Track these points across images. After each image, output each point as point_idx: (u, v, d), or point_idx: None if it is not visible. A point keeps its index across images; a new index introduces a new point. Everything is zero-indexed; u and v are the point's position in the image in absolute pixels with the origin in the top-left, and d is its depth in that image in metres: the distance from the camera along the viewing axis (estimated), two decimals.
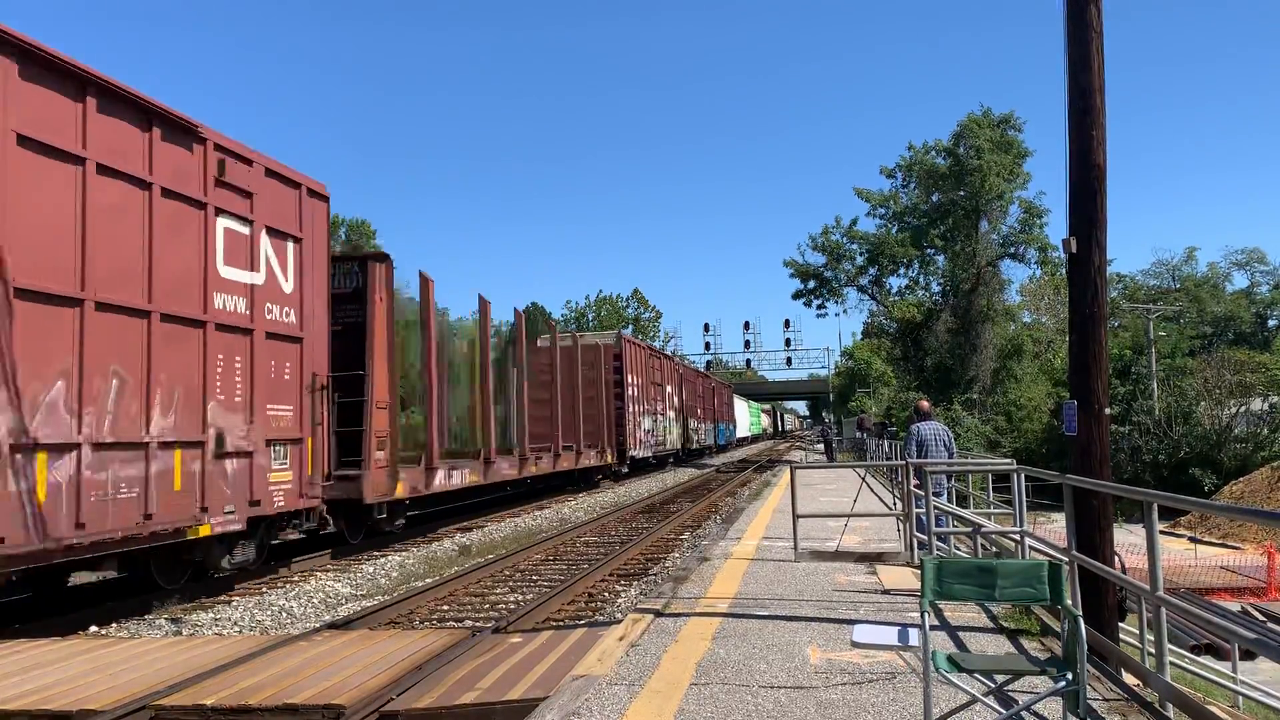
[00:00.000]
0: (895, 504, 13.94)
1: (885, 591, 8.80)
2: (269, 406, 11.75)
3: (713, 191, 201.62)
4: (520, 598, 11.36)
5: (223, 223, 11.03)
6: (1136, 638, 5.97)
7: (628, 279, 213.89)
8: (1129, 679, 5.75)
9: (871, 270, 51.30)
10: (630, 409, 31.98)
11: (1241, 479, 32.21)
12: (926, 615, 4.63)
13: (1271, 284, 77.36)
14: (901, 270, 51.00)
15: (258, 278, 11.69)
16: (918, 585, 7.59)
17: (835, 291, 52.07)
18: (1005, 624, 7.27)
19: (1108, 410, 7.15)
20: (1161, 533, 5.98)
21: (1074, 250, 7.07)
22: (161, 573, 10.87)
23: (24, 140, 8.41)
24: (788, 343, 78.95)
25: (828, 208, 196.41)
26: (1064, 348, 27.52)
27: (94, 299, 9.06)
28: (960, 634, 6.94)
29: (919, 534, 10.73)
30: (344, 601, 11.60)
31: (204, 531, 10.41)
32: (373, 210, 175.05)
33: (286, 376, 12.22)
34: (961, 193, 46.80)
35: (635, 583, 12.28)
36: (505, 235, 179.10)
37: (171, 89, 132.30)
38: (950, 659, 4.55)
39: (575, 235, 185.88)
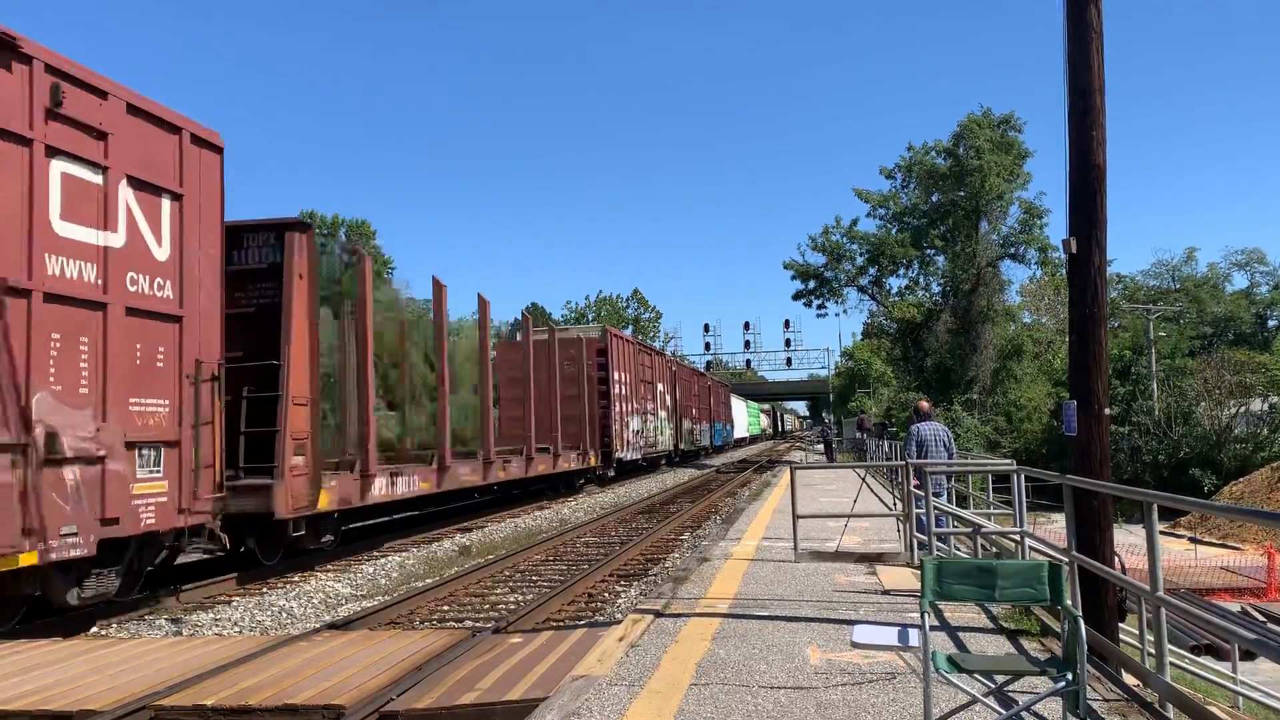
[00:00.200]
0: (895, 504, 13.94)
1: (885, 592, 8.80)
2: (133, 401, 9.56)
3: (713, 192, 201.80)
4: (520, 598, 11.37)
5: (59, 166, 8.90)
6: (1136, 638, 5.97)
7: (628, 279, 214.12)
8: (1129, 679, 5.75)
9: (871, 270, 51.28)
10: (617, 408, 29.99)
11: (1241, 479, 32.22)
12: (926, 615, 4.63)
13: (1271, 284, 77.35)
14: (901, 270, 50.99)
15: (115, 239, 9.49)
16: (918, 585, 7.59)
17: (835, 292, 52.05)
18: (1005, 624, 7.27)
19: (1108, 411, 7.15)
20: (1161, 533, 5.98)
21: (1074, 250, 7.07)
22: None
23: None
24: (788, 343, 78.95)
25: (828, 209, 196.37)
26: (1064, 348, 27.51)
27: None
28: (960, 634, 6.94)
29: (919, 534, 10.73)
30: (344, 602, 11.61)
31: (27, 560, 8.23)
32: (373, 211, 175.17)
33: (160, 364, 10.00)
34: (961, 193, 46.80)
35: (635, 583, 12.28)
36: (505, 235, 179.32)
37: (171, 88, 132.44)
38: (950, 659, 4.55)
39: (575, 235, 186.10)
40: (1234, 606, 16.20)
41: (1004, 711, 4.75)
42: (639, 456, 33.71)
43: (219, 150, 11.23)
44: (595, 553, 15.11)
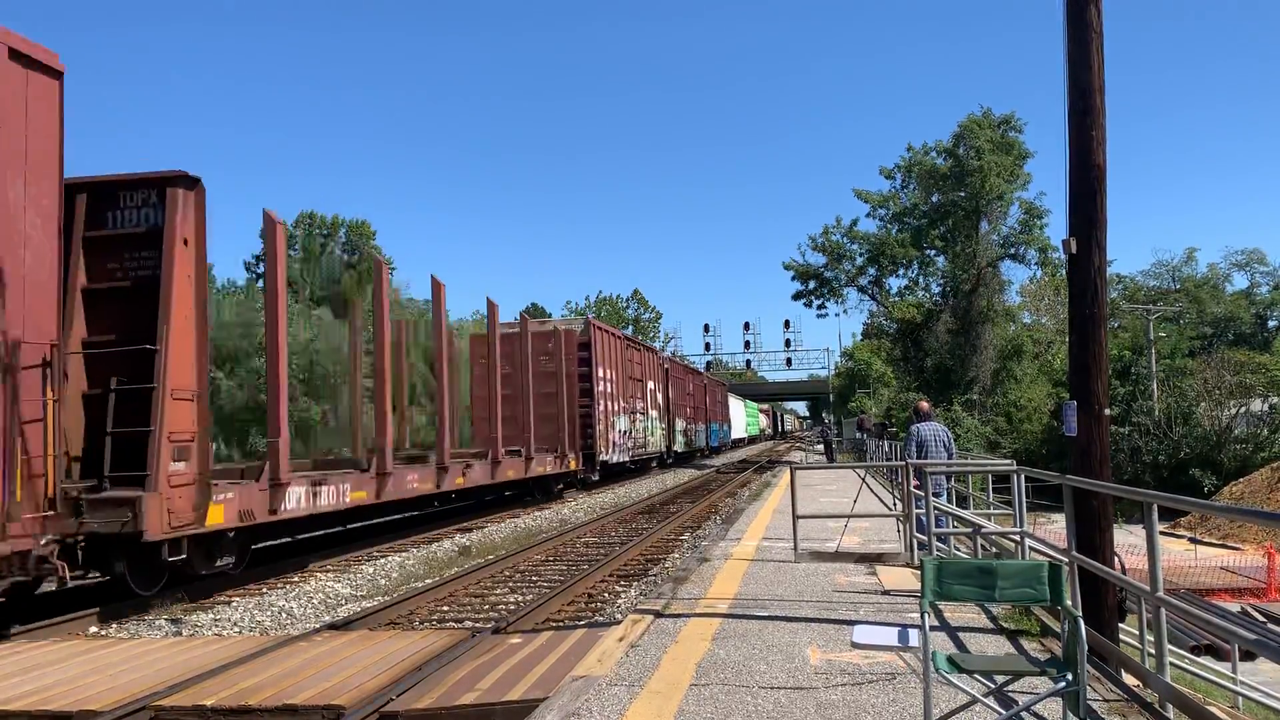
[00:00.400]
0: (895, 505, 13.94)
1: (885, 592, 8.80)
2: None
3: (713, 192, 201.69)
4: (520, 598, 11.36)
5: None
6: (1136, 638, 5.97)
7: (628, 279, 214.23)
8: (1129, 679, 5.75)
9: (871, 270, 51.31)
10: (601, 407, 27.75)
11: (1241, 480, 32.24)
12: (926, 616, 4.63)
13: (1271, 285, 77.29)
14: (901, 271, 51.04)
15: None
16: (918, 586, 7.59)
17: (835, 291, 52.08)
18: (1005, 624, 7.27)
19: (1108, 411, 7.15)
20: (1161, 533, 5.98)
21: (1074, 251, 7.07)
22: None
23: None
24: (788, 343, 79.04)
25: (828, 210, 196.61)
26: (1064, 348, 27.49)
27: None
28: (960, 634, 6.94)
29: (919, 534, 10.73)
30: (344, 602, 11.60)
31: None
32: (373, 211, 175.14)
33: None
34: (962, 193, 46.82)
35: (635, 583, 12.28)
36: (505, 235, 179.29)
37: (172, 88, 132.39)
38: (950, 659, 4.55)
39: (576, 236, 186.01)
40: (1234, 606, 16.20)
41: (1004, 712, 4.75)
42: (626, 459, 31.50)
43: (57, 75, 9.24)
44: (595, 553, 15.11)
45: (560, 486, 25.31)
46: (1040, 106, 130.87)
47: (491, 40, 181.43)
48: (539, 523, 19.86)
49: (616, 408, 29.79)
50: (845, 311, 55.00)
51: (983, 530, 10.01)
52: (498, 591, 11.97)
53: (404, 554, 14.95)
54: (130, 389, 10.04)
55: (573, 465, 25.37)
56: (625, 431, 30.97)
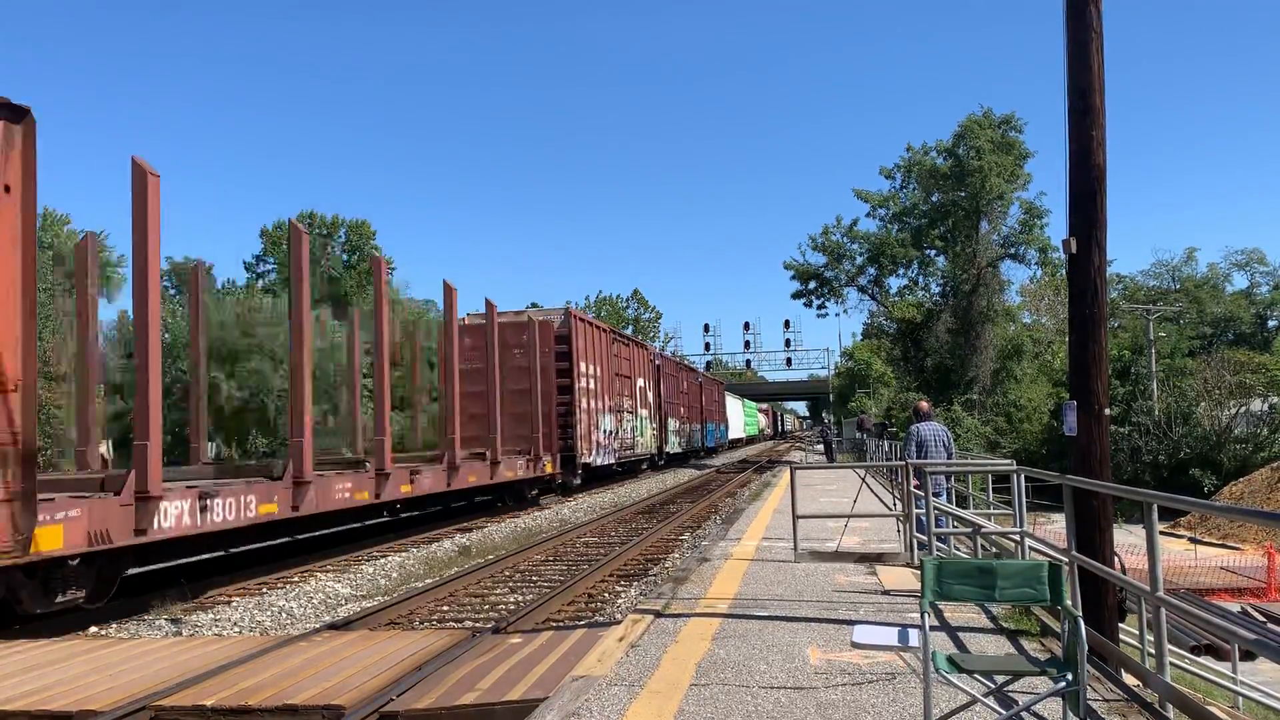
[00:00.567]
0: (895, 505, 13.94)
1: (885, 592, 8.80)
2: None
3: (713, 192, 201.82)
4: (520, 598, 11.37)
5: None
6: (1136, 638, 5.97)
7: (628, 279, 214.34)
8: (1129, 679, 5.75)
9: (871, 270, 51.36)
10: (583, 405, 25.70)
11: (1241, 479, 32.24)
12: (926, 616, 4.63)
13: (1271, 284, 77.27)
14: (901, 270, 51.08)
15: None
16: (918, 586, 7.59)
17: (835, 291, 52.10)
18: (1005, 624, 7.28)
19: (1108, 411, 7.14)
20: (1161, 533, 5.98)
21: (1074, 251, 7.07)
22: None
23: None
24: (788, 343, 79.13)
25: (828, 209, 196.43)
26: (1064, 348, 27.48)
27: None
28: (960, 634, 6.94)
29: (919, 534, 10.73)
30: (344, 602, 11.61)
31: None
32: (371, 210, 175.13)
33: None
34: (962, 193, 46.84)
35: (635, 583, 12.29)
36: (505, 235, 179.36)
37: (172, 88, 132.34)
38: (950, 659, 4.55)
39: (575, 235, 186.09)
40: (1234, 606, 16.20)
41: (1004, 711, 4.75)
42: (612, 461, 29.35)
43: None
44: (595, 553, 15.11)
45: (535, 492, 23.33)
46: (1040, 106, 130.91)
47: (490, 36, 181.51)
48: (539, 523, 19.87)
49: (601, 406, 27.79)
50: (845, 311, 55.09)
51: (983, 530, 10.01)
52: (498, 591, 11.97)
53: (404, 554, 14.96)
54: None
55: (549, 469, 23.36)
56: (610, 431, 28.92)
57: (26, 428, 8.41)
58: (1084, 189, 7.06)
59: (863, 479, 17.30)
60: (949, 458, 12.62)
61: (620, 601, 11.11)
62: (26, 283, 8.61)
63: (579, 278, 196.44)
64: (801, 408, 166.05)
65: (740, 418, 75.71)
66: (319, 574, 13.13)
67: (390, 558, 14.53)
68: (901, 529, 11.38)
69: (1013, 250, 47.86)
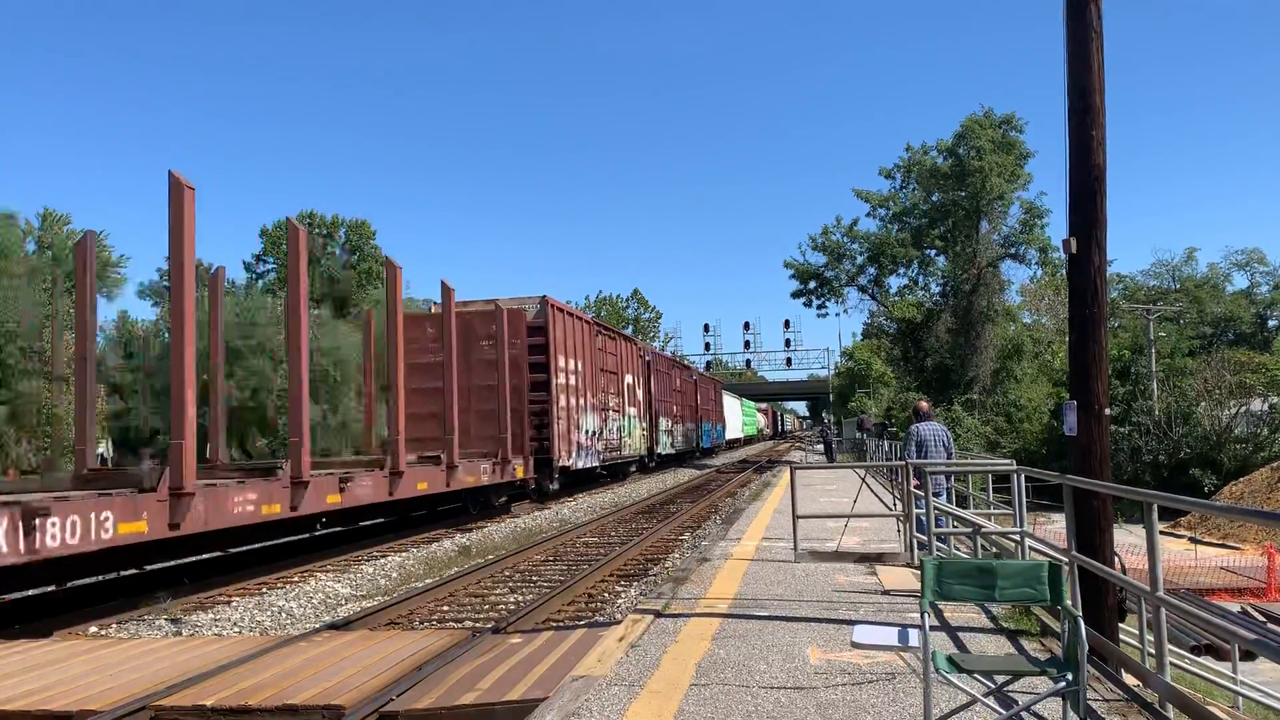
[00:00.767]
0: (895, 505, 13.94)
1: (885, 592, 8.80)
2: None
3: (713, 193, 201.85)
4: (520, 598, 11.36)
5: None
6: (1136, 638, 5.97)
7: (628, 279, 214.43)
8: (1129, 679, 5.75)
9: (871, 270, 51.38)
10: (561, 402, 23.37)
11: (1241, 479, 32.23)
12: (926, 616, 4.63)
13: (1271, 284, 77.21)
14: (901, 270, 51.11)
15: None
16: (918, 586, 7.59)
17: (835, 291, 52.13)
18: (1005, 624, 7.27)
19: (1108, 411, 7.14)
20: (1161, 533, 5.98)
21: (1074, 251, 7.06)
22: None
23: None
24: (788, 343, 79.13)
25: (828, 209, 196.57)
26: (1064, 348, 27.44)
27: None
28: (960, 634, 6.94)
29: (919, 534, 10.73)
30: (344, 602, 11.61)
31: None
32: (370, 209, 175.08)
33: None
34: (962, 193, 46.85)
35: (635, 583, 12.28)
36: (505, 235, 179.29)
37: (172, 89, 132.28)
38: (950, 659, 4.55)
39: (576, 236, 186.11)
40: (1234, 606, 16.19)
41: (1004, 711, 4.75)
42: (596, 464, 27.03)
43: None
44: (595, 553, 15.11)
45: (503, 500, 20.85)
46: (1041, 106, 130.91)
47: (491, 38, 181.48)
48: (539, 523, 19.87)
49: (582, 404, 25.44)
50: (845, 311, 55.13)
51: (983, 530, 10.00)
52: (498, 591, 11.97)
53: (404, 554, 14.96)
54: None
55: (519, 473, 20.81)
56: (593, 432, 26.57)
57: None
58: (1084, 189, 7.06)
59: (863, 479, 17.30)
60: (949, 458, 12.61)
61: (620, 601, 11.11)
62: None
63: (579, 278, 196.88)
64: (801, 408, 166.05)
65: (739, 417, 75.09)
66: (319, 574, 13.12)
67: (390, 558, 14.53)
68: (901, 529, 11.38)
69: (1013, 250, 47.90)
